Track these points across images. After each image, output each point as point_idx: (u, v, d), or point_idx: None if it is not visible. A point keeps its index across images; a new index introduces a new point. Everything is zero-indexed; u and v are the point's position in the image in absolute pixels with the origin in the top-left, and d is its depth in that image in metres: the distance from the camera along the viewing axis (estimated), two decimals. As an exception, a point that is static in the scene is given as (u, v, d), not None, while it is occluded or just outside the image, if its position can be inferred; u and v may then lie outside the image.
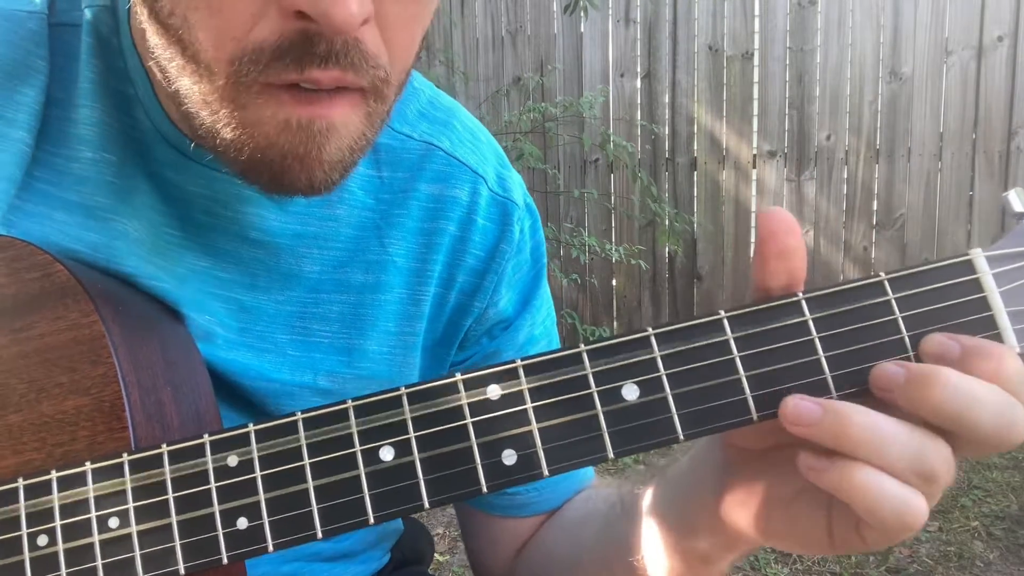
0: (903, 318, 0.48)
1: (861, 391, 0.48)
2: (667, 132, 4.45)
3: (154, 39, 0.57)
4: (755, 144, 4.33)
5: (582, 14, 3.80)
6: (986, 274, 0.48)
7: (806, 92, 4.19)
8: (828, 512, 0.49)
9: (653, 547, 0.64)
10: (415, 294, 0.78)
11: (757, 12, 4.22)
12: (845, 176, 4.19)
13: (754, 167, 4.35)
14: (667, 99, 4.45)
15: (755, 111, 4.30)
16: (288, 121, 0.54)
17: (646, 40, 4.44)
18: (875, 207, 4.16)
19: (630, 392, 0.49)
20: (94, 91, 0.67)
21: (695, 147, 4.44)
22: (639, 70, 4.49)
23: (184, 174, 0.68)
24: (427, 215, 0.78)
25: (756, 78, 4.27)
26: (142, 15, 0.57)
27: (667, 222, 4.01)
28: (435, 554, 2.75)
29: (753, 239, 4.38)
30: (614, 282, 4.70)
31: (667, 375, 0.49)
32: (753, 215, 4.39)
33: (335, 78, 0.53)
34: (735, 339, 0.49)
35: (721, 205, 4.42)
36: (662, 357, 0.49)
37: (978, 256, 0.48)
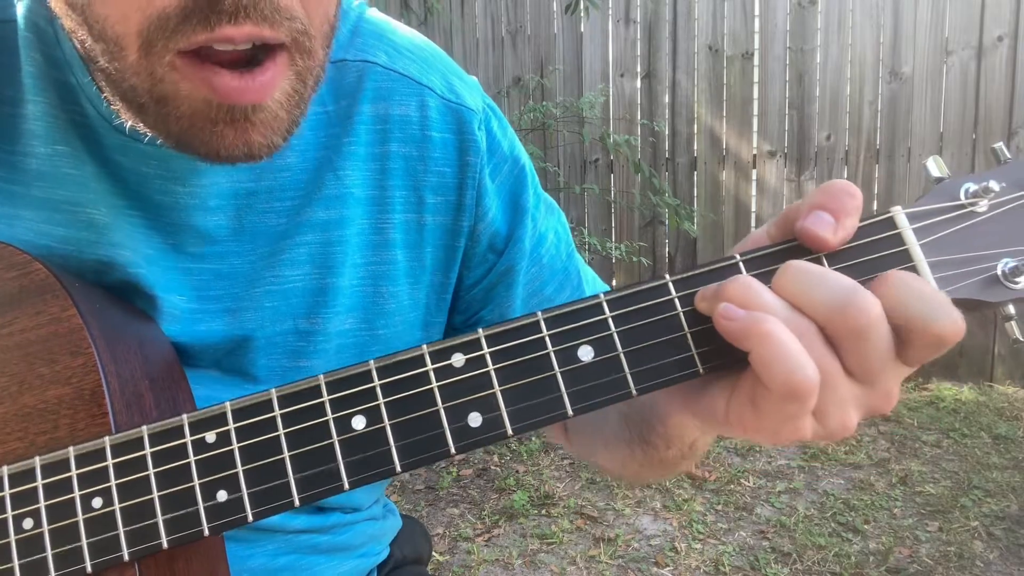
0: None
1: None
2: (667, 132, 4.46)
3: (67, 22, 0.56)
4: (755, 144, 4.34)
5: (582, 14, 3.80)
6: (906, 229, 0.52)
7: (806, 92, 4.19)
8: (731, 391, 0.52)
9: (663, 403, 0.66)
10: (377, 223, 0.76)
11: (757, 12, 4.22)
12: (845, 176, 4.19)
13: (754, 167, 4.35)
14: (667, 99, 4.45)
15: (755, 111, 4.31)
16: (208, 100, 0.54)
17: (646, 40, 4.45)
18: (875, 207, 4.16)
19: (585, 353, 0.52)
20: (36, 85, 0.67)
21: (695, 147, 4.44)
22: (639, 70, 4.50)
23: (134, 156, 0.68)
24: (376, 138, 0.75)
25: (756, 78, 4.28)
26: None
27: (667, 211, 4.00)
28: (435, 554, 2.75)
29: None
30: (614, 282, 4.70)
31: (619, 335, 0.52)
32: (753, 215, 4.40)
33: (249, 33, 0.52)
34: (679, 298, 0.52)
35: (721, 205, 4.42)
36: (613, 318, 0.52)
37: (898, 213, 0.52)
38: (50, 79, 0.67)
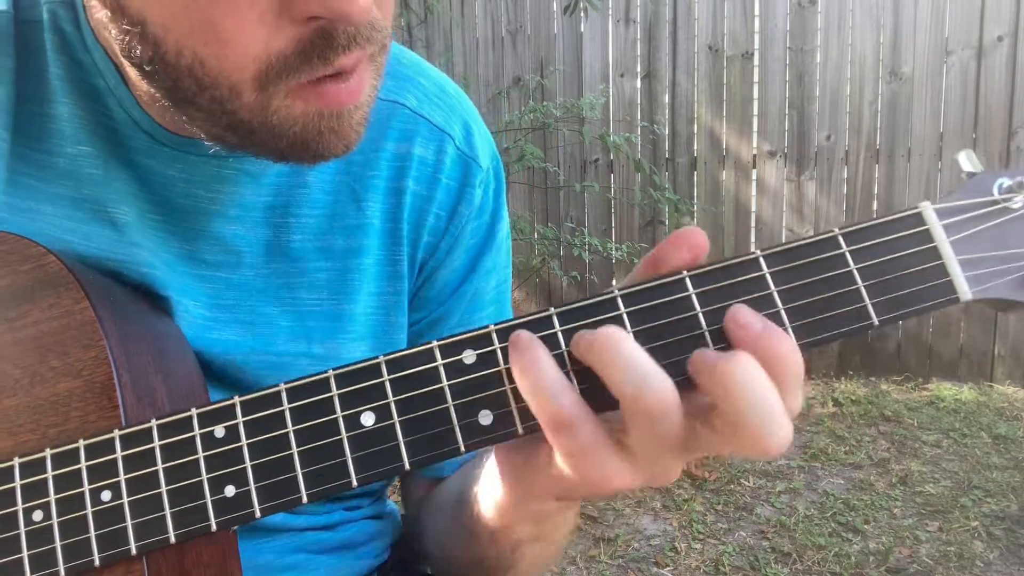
0: (858, 270, 0.50)
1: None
2: (667, 132, 4.46)
3: (155, 71, 0.56)
4: (755, 144, 4.34)
5: (582, 14, 3.80)
6: (935, 225, 0.50)
7: (806, 92, 4.20)
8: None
9: (488, 477, 0.64)
10: (392, 255, 0.79)
11: (757, 12, 4.22)
12: (845, 176, 4.20)
13: (754, 167, 4.35)
14: (667, 99, 4.45)
15: (755, 111, 4.31)
16: (320, 112, 0.57)
17: (646, 40, 4.45)
18: (875, 207, 4.17)
19: None
20: (64, 87, 0.68)
21: (695, 147, 4.44)
22: (639, 70, 4.50)
23: (161, 160, 0.69)
24: (395, 174, 0.78)
25: (756, 78, 4.28)
26: (140, 57, 0.57)
27: (667, 209, 4.00)
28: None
29: (753, 239, 4.39)
30: (614, 282, 4.70)
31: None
32: (753, 215, 4.40)
33: (357, 57, 0.55)
34: (696, 294, 0.50)
35: (721, 205, 4.42)
36: (628, 315, 0.50)
37: (927, 208, 0.50)
38: (76, 81, 0.68)
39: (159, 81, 0.57)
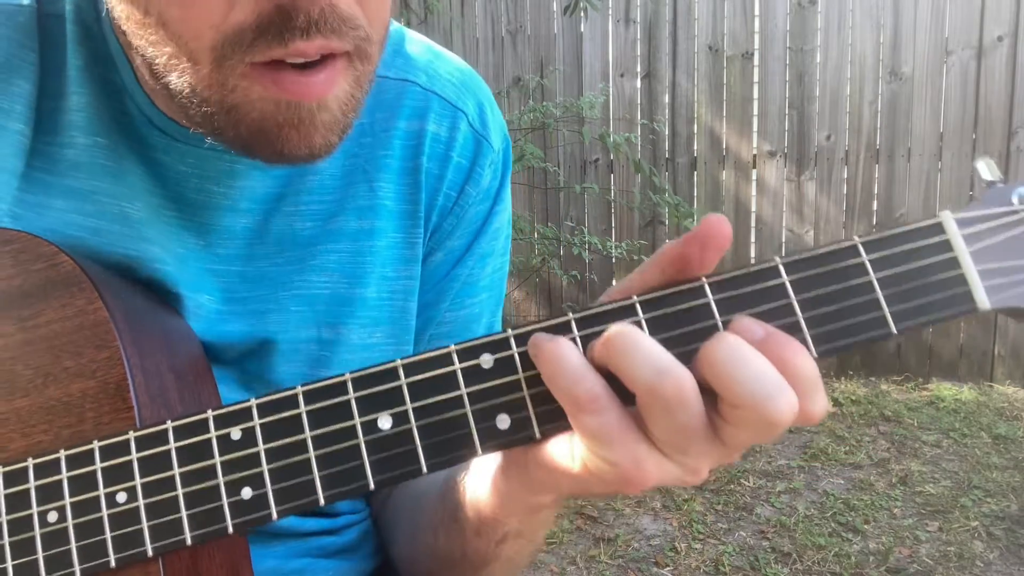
0: (877, 279, 0.49)
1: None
2: (667, 132, 4.46)
3: (137, 40, 0.58)
4: (755, 144, 4.34)
5: (582, 14, 3.80)
6: (956, 235, 0.49)
7: (806, 92, 4.20)
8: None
9: (485, 465, 0.63)
10: (410, 237, 0.78)
11: (757, 12, 4.23)
12: (845, 176, 4.20)
13: (754, 167, 4.36)
14: (667, 99, 4.45)
15: (755, 111, 4.31)
16: (278, 100, 0.56)
17: (646, 40, 4.45)
18: (875, 207, 4.17)
19: None
20: (81, 78, 0.68)
21: (695, 147, 4.45)
22: (639, 70, 4.50)
23: (174, 155, 0.69)
24: (409, 153, 0.77)
25: (756, 78, 4.28)
26: (120, 17, 0.59)
27: (668, 210, 4.00)
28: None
29: (753, 239, 4.39)
30: (615, 281, 4.70)
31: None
32: (753, 215, 4.40)
33: (320, 46, 0.55)
34: (716, 301, 0.50)
35: (721, 205, 4.42)
36: (647, 321, 0.50)
37: (948, 219, 0.50)
38: (95, 74, 0.68)
39: (140, 50, 0.58)
